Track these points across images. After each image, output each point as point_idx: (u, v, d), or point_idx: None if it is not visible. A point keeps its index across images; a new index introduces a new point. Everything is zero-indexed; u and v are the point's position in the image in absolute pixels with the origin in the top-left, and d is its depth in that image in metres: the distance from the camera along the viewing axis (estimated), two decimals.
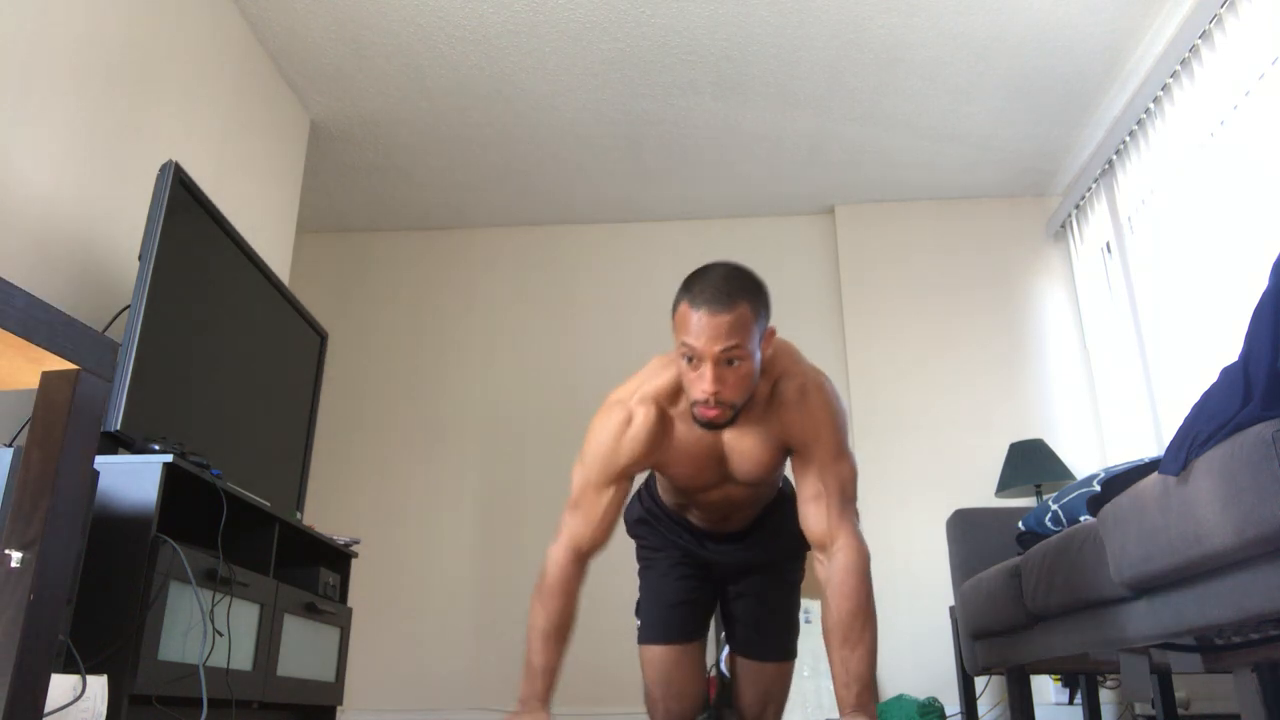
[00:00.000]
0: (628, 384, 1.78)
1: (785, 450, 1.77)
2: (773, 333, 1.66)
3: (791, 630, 2.04)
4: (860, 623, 1.62)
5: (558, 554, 1.72)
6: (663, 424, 1.73)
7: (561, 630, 1.70)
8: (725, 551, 2.00)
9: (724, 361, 1.55)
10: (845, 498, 1.72)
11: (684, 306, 1.57)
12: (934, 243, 4.46)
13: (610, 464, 1.72)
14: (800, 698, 3.65)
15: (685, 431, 1.73)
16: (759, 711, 2.01)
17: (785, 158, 4.18)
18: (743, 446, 1.75)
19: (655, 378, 1.75)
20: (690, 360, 1.58)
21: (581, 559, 1.73)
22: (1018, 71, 3.61)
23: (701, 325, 1.53)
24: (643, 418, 1.71)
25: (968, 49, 3.48)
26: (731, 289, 1.54)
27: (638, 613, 2.03)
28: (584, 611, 1.85)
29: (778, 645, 2.01)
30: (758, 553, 2.01)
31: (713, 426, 1.61)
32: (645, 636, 1.98)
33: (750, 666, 2.01)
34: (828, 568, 1.69)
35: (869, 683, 1.60)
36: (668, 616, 1.97)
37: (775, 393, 1.72)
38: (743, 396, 1.60)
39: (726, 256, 4.92)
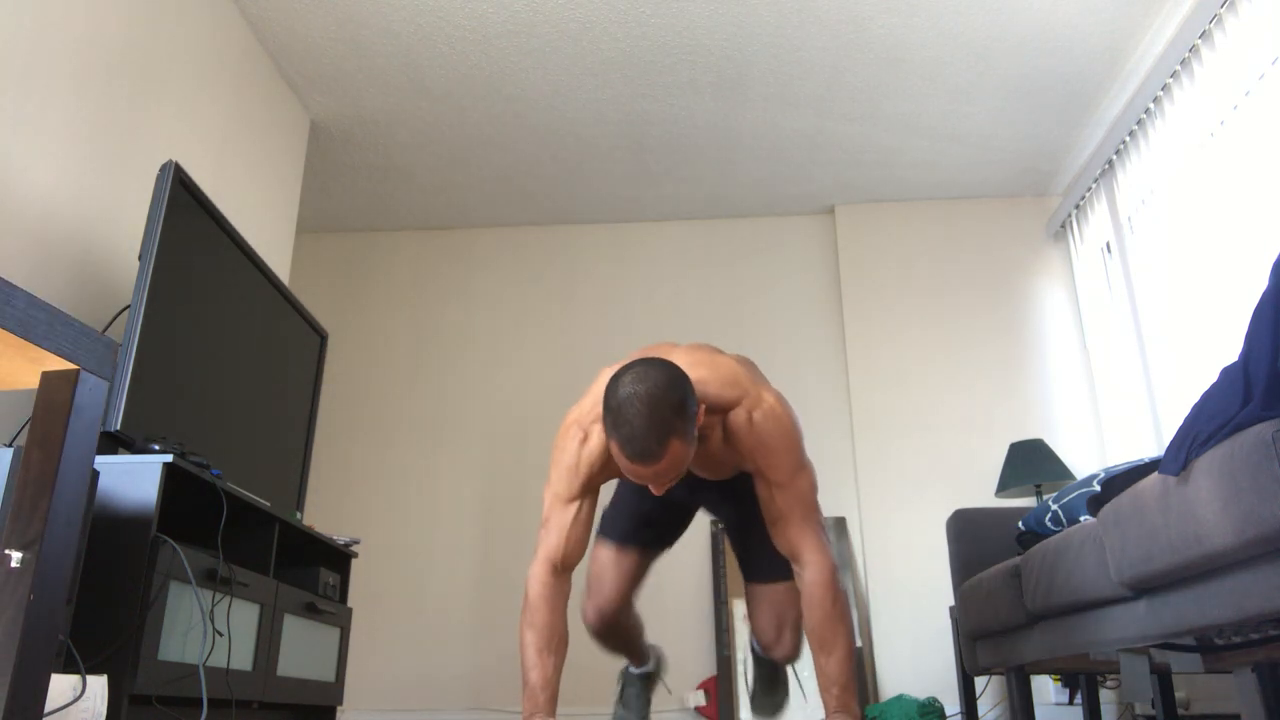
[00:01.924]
0: (582, 403, 1.84)
1: (740, 465, 1.87)
2: (702, 412, 1.69)
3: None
4: (831, 629, 1.71)
5: (537, 570, 1.80)
6: None
7: (553, 643, 1.74)
8: (706, 488, 2.09)
9: (665, 479, 1.64)
10: (806, 513, 1.79)
11: (615, 449, 1.61)
12: (934, 243, 4.46)
13: (572, 480, 1.81)
14: (800, 698, 3.65)
15: None
16: (775, 636, 2.06)
17: (785, 158, 4.18)
18: (699, 464, 1.87)
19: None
20: (635, 475, 1.67)
21: (559, 573, 1.79)
22: (1018, 71, 3.61)
23: (638, 469, 1.60)
24: (597, 438, 1.79)
25: (968, 49, 3.48)
26: (661, 434, 1.56)
27: (611, 503, 2.17)
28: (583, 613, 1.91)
29: (778, 564, 2.02)
30: (739, 485, 2.07)
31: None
32: (601, 531, 2.13)
33: (758, 591, 2.07)
34: (799, 580, 1.79)
35: (846, 684, 1.68)
36: (626, 525, 2.11)
37: (726, 428, 1.80)
38: (683, 473, 1.69)
39: (726, 256, 4.91)
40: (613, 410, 1.59)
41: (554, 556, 1.79)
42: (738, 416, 1.78)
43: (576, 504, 1.81)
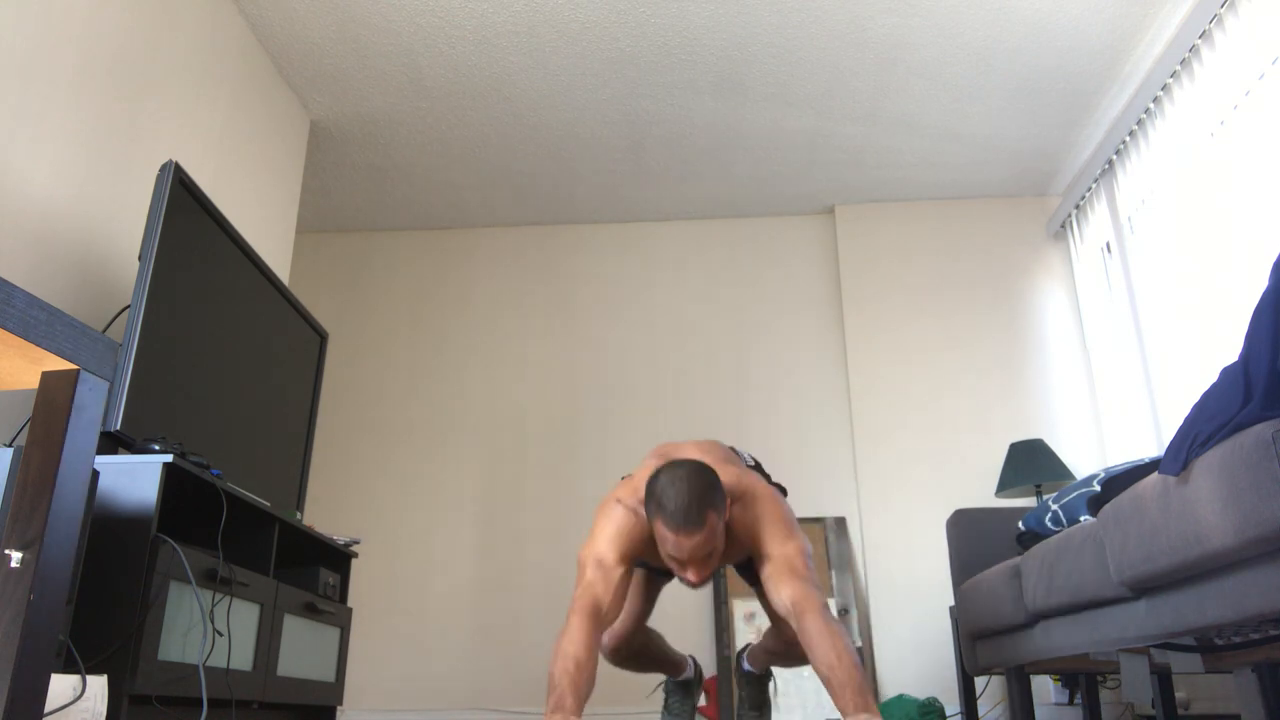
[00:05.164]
0: (624, 487, 2.00)
1: (745, 550, 2.03)
2: (728, 507, 1.92)
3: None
4: (830, 648, 1.73)
5: (581, 605, 1.83)
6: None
7: (586, 666, 1.74)
8: None
9: (704, 560, 1.84)
10: (794, 570, 1.88)
11: (660, 527, 1.81)
12: (934, 243, 4.46)
13: (622, 549, 1.92)
14: (800, 698, 3.66)
15: None
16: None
17: (785, 158, 4.18)
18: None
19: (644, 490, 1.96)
20: (674, 560, 1.85)
21: (600, 616, 1.84)
22: (1018, 71, 3.61)
23: (681, 546, 1.80)
24: (644, 520, 1.94)
25: (968, 49, 3.48)
26: (701, 507, 1.79)
27: None
28: None
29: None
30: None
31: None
32: None
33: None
34: (795, 626, 1.84)
35: (861, 685, 1.67)
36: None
37: (730, 518, 1.96)
38: (718, 562, 1.90)
39: (726, 256, 4.91)
40: (656, 495, 1.81)
41: (601, 602, 1.84)
42: (735, 509, 1.96)
43: (621, 569, 1.90)
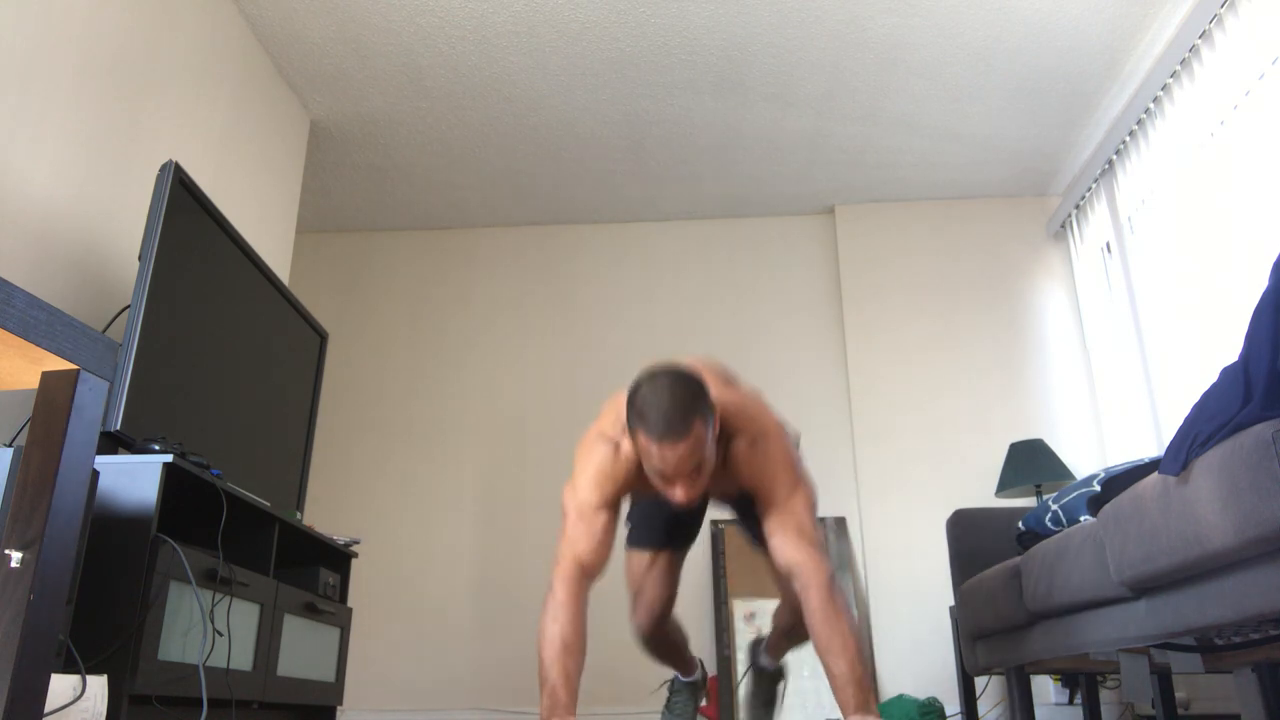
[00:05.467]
0: (604, 418, 1.90)
1: (743, 487, 1.91)
2: (716, 418, 1.78)
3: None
4: (834, 629, 1.70)
5: (564, 571, 1.79)
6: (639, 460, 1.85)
7: (575, 642, 1.71)
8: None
9: (691, 474, 1.71)
10: (801, 530, 1.81)
11: (642, 438, 1.68)
12: (934, 243, 4.46)
13: (603, 487, 1.83)
14: (800, 698, 3.66)
15: None
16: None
17: (785, 158, 4.18)
18: (708, 486, 1.91)
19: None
20: (660, 475, 1.72)
21: (585, 575, 1.79)
22: (1018, 71, 3.61)
23: (665, 457, 1.67)
24: (628, 450, 1.84)
25: (968, 49, 3.48)
26: (684, 414, 1.65)
27: (628, 519, 2.25)
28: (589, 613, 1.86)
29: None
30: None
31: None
32: (630, 544, 2.23)
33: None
34: (797, 591, 1.79)
35: (860, 681, 1.66)
36: (651, 534, 2.21)
37: (729, 450, 1.86)
38: (708, 478, 1.77)
39: (726, 256, 4.91)
40: (637, 406, 1.68)
41: (584, 560, 1.79)
42: (741, 443, 1.85)
43: (605, 514, 1.82)
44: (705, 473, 1.72)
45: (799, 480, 1.85)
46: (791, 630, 2.27)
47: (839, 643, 1.67)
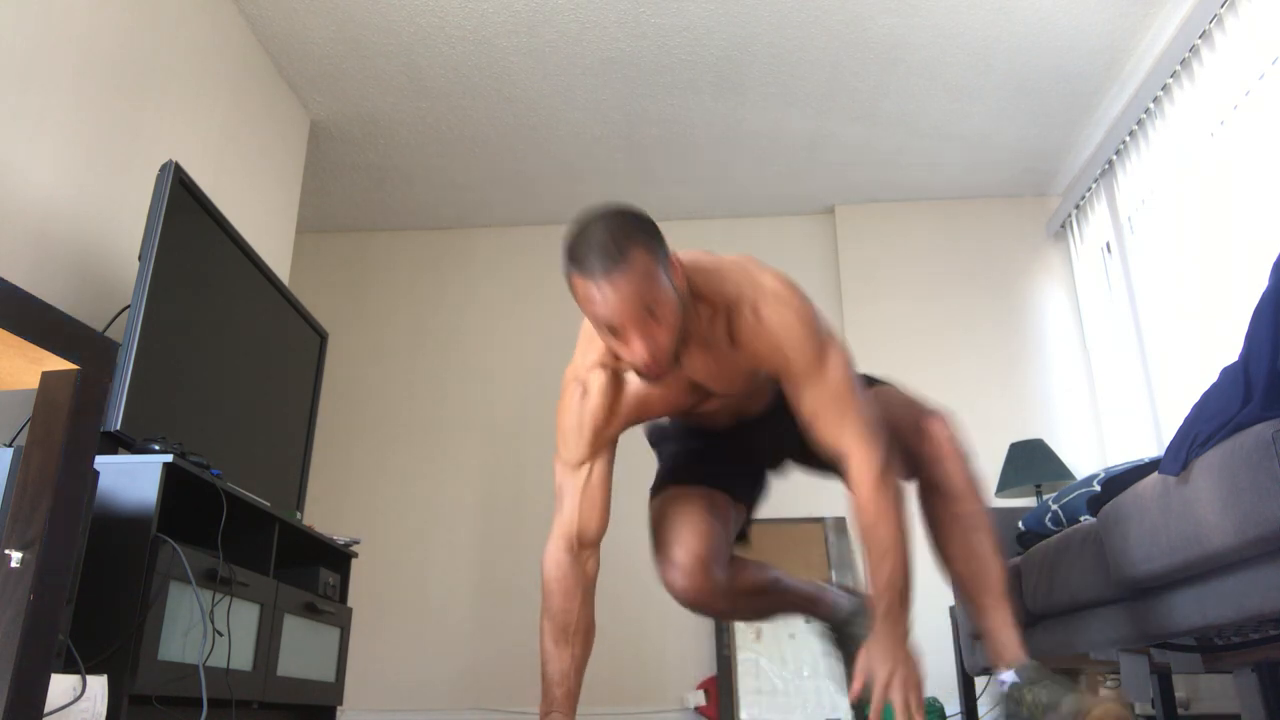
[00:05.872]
0: (574, 360, 1.63)
1: (760, 371, 1.61)
2: (677, 260, 1.48)
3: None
4: (881, 531, 1.56)
5: (551, 551, 1.63)
6: (616, 383, 1.59)
7: (571, 632, 1.57)
8: (753, 424, 1.81)
9: (644, 318, 1.37)
10: (841, 404, 1.53)
11: (575, 279, 1.37)
12: (934, 243, 4.45)
13: (579, 439, 1.59)
14: (800, 698, 3.65)
15: (640, 383, 1.59)
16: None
17: (785, 158, 4.18)
18: (710, 372, 1.60)
19: (593, 343, 1.59)
20: (610, 330, 1.40)
21: (576, 549, 1.60)
22: (1018, 71, 3.61)
23: (604, 293, 1.34)
24: (596, 384, 1.57)
25: (968, 49, 3.48)
26: (618, 240, 1.35)
27: (658, 456, 1.92)
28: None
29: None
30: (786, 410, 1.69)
31: (660, 378, 1.45)
32: (657, 486, 1.84)
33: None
34: (848, 486, 1.57)
35: (901, 591, 1.59)
36: (681, 464, 1.82)
37: (732, 327, 1.54)
38: (676, 335, 1.42)
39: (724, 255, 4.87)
40: (568, 248, 1.39)
41: (569, 530, 1.60)
42: (743, 314, 1.53)
43: (587, 466, 1.60)
44: (667, 326, 1.39)
45: (825, 342, 1.54)
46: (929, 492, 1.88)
47: (883, 547, 1.56)
